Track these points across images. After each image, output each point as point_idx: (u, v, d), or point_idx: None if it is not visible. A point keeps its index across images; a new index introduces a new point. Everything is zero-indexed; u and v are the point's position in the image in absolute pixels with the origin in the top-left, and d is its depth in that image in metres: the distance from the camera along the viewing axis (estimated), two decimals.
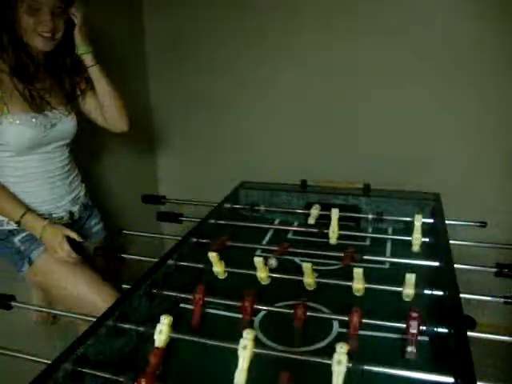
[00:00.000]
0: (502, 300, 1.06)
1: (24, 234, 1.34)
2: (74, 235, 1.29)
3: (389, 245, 1.43)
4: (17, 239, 1.34)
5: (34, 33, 1.24)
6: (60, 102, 1.38)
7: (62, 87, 1.41)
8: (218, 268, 1.16)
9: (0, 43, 1.24)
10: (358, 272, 1.04)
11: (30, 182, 1.34)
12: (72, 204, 1.45)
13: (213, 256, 1.15)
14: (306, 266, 1.09)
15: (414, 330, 0.87)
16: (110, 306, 0.98)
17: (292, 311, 0.97)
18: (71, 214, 1.45)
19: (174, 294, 1.10)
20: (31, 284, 1.46)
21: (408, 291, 1.03)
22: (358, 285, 1.05)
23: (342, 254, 1.24)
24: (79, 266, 1.33)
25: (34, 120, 1.27)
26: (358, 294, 1.07)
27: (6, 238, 1.34)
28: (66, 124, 1.39)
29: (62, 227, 1.31)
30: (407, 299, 1.04)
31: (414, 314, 0.88)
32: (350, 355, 0.75)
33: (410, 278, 1.02)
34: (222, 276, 1.18)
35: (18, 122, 1.25)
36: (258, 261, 1.12)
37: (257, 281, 1.14)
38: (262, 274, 1.13)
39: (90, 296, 1.28)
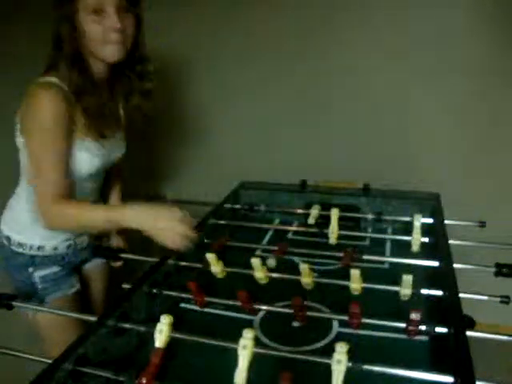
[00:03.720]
0: (498, 299, 1.06)
1: (47, 272, 1.22)
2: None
3: (388, 245, 1.43)
4: (37, 274, 1.22)
5: (103, 42, 1.08)
6: (116, 125, 1.26)
7: (117, 105, 1.27)
8: (216, 268, 1.16)
9: (68, 66, 1.07)
10: (355, 273, 1.04)
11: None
12: None
13: (210, 257, 1.16)
14: (303, 268, 1.09)
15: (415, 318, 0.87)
16: None
17: (292, 311, 0.97)
18: None
19: (174, 293, 1.10)
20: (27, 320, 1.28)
21: (405, 291, 1.02)
22: (355, 284, 1.05)
23: (342, 254, 1.24)
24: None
25: (100, 150, 1.17)
26: (355, 294, 1.06)
27: (25, 264, 1.21)
28: (118, 152, 1.29)
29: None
30: (405, 298, 1.04)
31: (414, 315, 0.89)
32: (350, 355, 0.75)
33: (407, 279, 1.02)
34: (219, 276, 1.18)
35: (87, 150, 1.14)
36: (254, 262, 1.12)
37: (256, 281, 1.14)
38: (260, 274, 1.13)
39: None
